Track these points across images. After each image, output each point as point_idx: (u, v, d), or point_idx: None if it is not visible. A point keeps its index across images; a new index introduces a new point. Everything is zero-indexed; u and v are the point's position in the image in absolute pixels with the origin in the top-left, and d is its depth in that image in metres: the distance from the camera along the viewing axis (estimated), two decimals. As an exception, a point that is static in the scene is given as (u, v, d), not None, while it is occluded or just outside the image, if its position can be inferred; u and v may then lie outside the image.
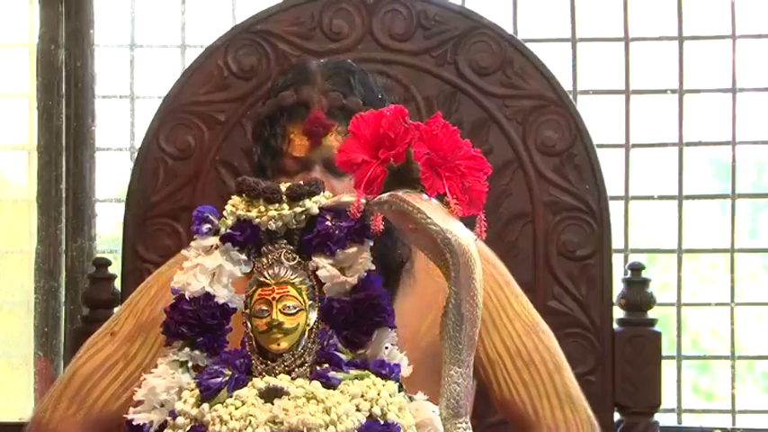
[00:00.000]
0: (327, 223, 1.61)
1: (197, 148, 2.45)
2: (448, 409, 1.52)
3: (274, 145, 1.93)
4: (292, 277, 1.57)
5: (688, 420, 2.84)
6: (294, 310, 1.55)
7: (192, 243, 1.64)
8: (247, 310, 1.57)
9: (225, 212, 1.63)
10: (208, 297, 1.61)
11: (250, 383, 1.54)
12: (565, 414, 1.98)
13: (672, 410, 2.82)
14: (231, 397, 1.52)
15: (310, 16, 2.45)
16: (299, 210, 1.60)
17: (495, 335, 1.98)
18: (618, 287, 2.45)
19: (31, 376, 2.87)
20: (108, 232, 2.93)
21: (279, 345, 1.55)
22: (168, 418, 1.57)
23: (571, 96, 2.54)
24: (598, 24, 2.88)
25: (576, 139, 2.43)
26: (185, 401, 1.56)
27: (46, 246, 2.86)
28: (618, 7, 2.87)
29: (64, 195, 2.86)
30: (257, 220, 1.60)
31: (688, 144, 2.85)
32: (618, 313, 2.45)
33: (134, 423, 1.60)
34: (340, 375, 1.55)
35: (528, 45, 2.49)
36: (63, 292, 2.85)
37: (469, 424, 1.53)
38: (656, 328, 2.45)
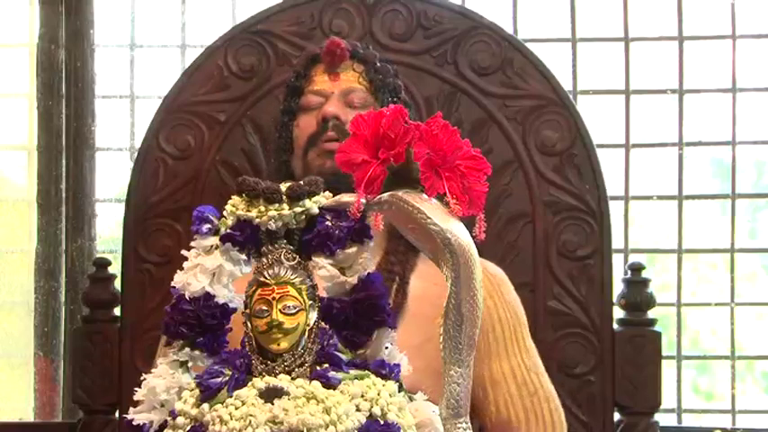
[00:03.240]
0: (327, 223, 1.61)
1: (197, 148, 2.45)
2: (448, 409, 1.52)
3: (299, 85, 2.15)
4: (292, 277, 1.57)
5: (688, 420, 2.84)
6: (294, 310, 1.55)
7: (192, 243, 1.64)
8: (247, 310, 1.57)
9: (225, 212, 1.63)
10: (208, 297, 1.62)
11: (250, 383, 1.54)
12: None
13: (672, 410, 2.81)
14: (231, 397, 1.52)
15: (310, 16, 2.45)
16: (299, 210, 1.60)
17: (504, 361, 2.09)
18: (618, 287, 2.45)
19: (31, 376, 2.86)
20: (108, 232, 2.92)
21: (279, 345, 1.55)
22: (168, 418, 1.57)
23: (571, 96, 2.54)
24: (598, 24, 2.88)
25: (576, 139, 2.43)
26: (185, 401, 1.56)
27: (46, 246, 2.86)
28: (618, 7, 2.86)
29: (64, 195, 2.85)
30: (257, 220, 1.60)
31: (688, 144, 2.85)
32: (618, 313, 2.45)
33: (134, 423, 1.61)
34: (340, 375, 1.55)
35: (528, 45, 2.49)
36: (63, 292, 2.85)
37: (470, 424, 1.53)
38: (656, 328, 2.45)
